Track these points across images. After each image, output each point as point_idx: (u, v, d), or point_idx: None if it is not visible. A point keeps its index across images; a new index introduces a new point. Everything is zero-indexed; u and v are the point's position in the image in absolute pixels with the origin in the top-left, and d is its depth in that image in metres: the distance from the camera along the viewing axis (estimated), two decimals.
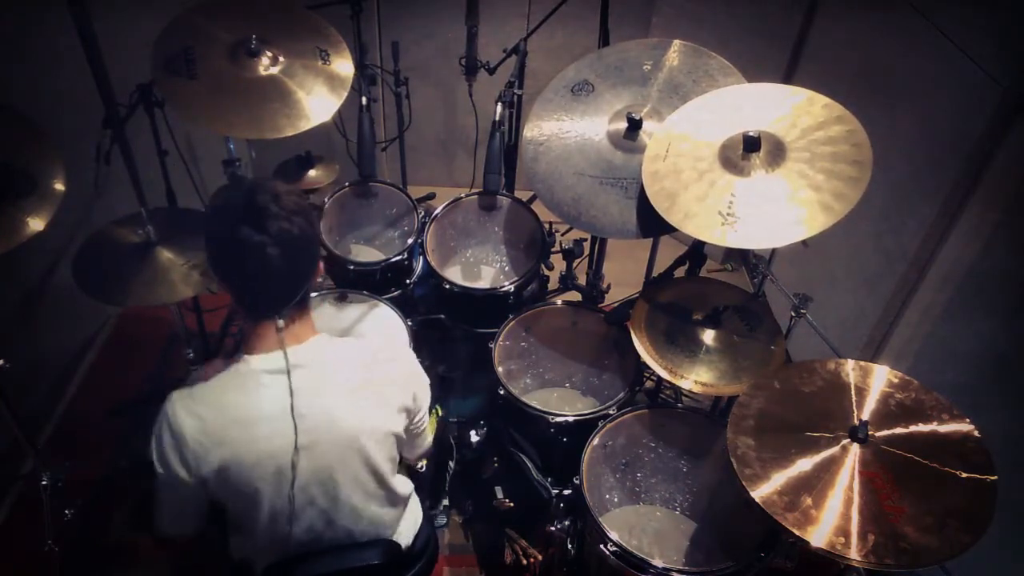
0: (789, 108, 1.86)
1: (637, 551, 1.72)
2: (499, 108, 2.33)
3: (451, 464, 2.43)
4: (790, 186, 1.73)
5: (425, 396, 1.57)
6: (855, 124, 1.76)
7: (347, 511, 1.43)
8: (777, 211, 1.72)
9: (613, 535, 1.75)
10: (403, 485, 1.58)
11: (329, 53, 2.15)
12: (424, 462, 2.02)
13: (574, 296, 2.50)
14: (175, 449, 1.30)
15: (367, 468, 1.42)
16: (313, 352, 1.36)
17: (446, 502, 2.43)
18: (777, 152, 1.79)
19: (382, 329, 2.22)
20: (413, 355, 1.59)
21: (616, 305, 2.33)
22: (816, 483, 1.43)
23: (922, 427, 1.52)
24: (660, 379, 2.03)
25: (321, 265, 1.41)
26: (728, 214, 1.75)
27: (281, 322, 1.32)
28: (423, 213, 2.53)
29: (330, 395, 1.36)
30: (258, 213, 1.25)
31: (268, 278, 1.29)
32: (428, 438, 1.71)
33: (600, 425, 2.00)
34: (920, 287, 2.30)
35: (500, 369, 2.18)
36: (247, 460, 1.31)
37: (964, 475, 1.42)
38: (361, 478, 1.42)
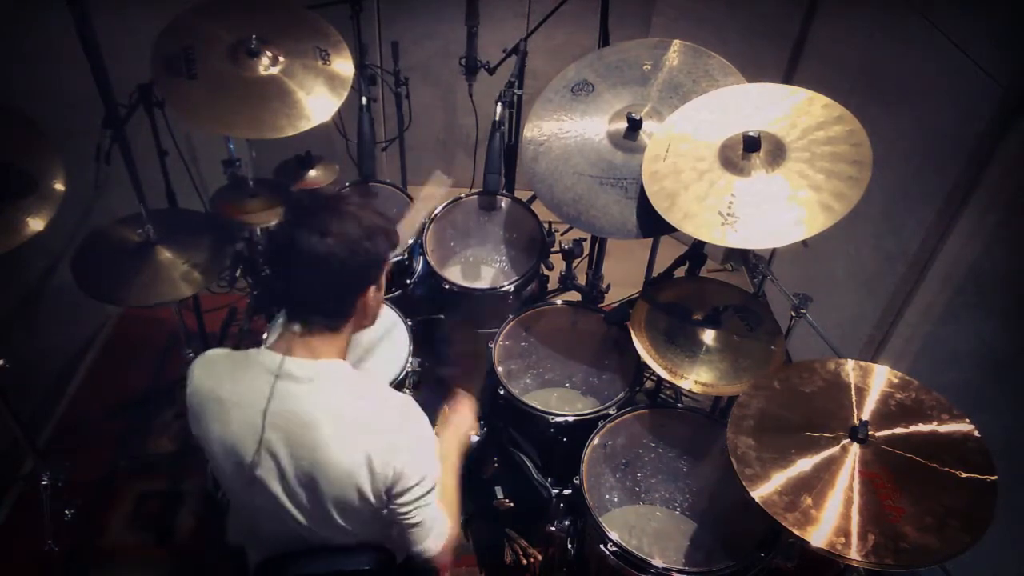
0: (789, 108, 1.86)
1: (637, 551, 1.72)
2: (499, 108, 2.33)
3: None
4: (790, 186, 1.73)
5: (411, 475, 1.33)
6: (855, 124, 1.76)
7: (308, 529, 1.39)
8: (777, 211, 1.72)
9: (613, 535, 1.75)
10: (355, 533, 1.43)
11: (329, 53, 2.15)
12: None
13: (574, 296, 2.50)
14: (187, 398, 1.37)
15: (327, 501, 1.35)
16: (320, 372, 1.33)
17: None
18: (777, 152, 1.79)
19: (382, 329, 2.22)
20: (427, 430, 1.40)
21: (616, 305, 2.33)
22: (816, 483, 1.43)
23: (922, 427, 1.52)
24: (660, 379, 2.02)
25: (370, 298, 1.38)
26: (728, 214, 1.75)
27: (297, 327, 1.33)
28: None
29: (312, 418, 1.31)
30: (310, 221, 1.28)
31: (289, 281, 1.31)
32: (429, 535, 1.41)
33: (600, 425, 2.00)
34: (920, 287, 2.30)
35: (500, 369, 2.18)
36: (216, 439, 1.34)
37: (964, 475, 1.42)
38: (321, 506, 1.36)
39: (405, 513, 1.36)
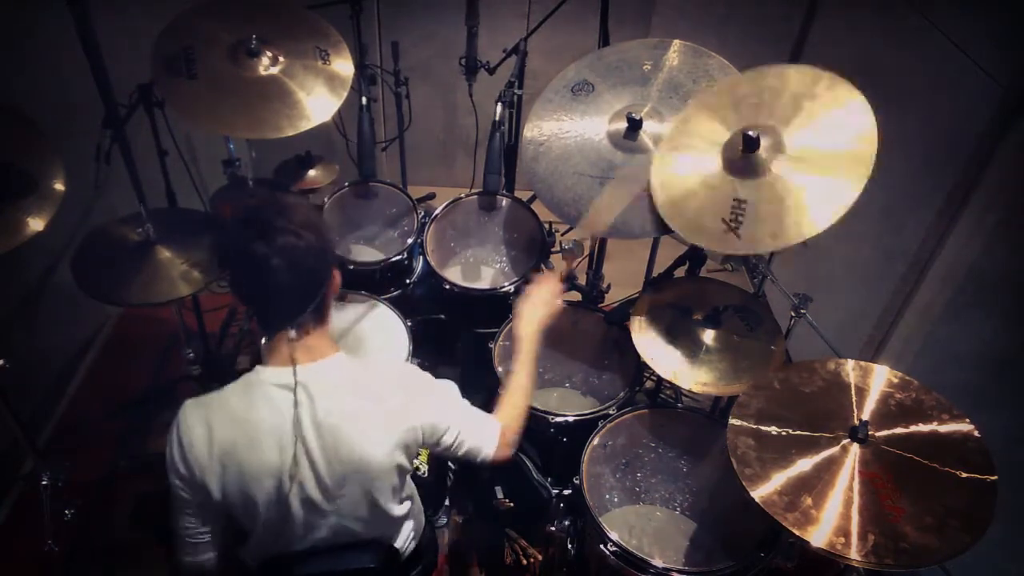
0: None
1: (637, 551, 1.72)
2: (499, 108, 2.33)
3: (451, 467, 2.44)
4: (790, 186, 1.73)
5: (440, 423, 1.45)
6: None
7: (342, 527, 1.42)
8: (777, 211, 1.71)
9: (613, 535, 1.75)
10: (400, 507, 1.53)
11: (329, 53, 2.15)
12: (426, 467, 2.01)
13: (574, 296, 2.50)
14: (182, 457, 1.31)
15: (367, 492, 1.40)
16: (326, 372, 1.35)
17: (447, 502, 2.43)
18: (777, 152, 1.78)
19: (382, 329, 2.22)
20: (431, 383, 1.49)
21: (616, 305, 2.33)
22: (816, 483, 1.43)
23: (922, 427, 1.52)
24: (660, 379, 2.02)
25: (338, 279, 1.41)
26: (729, 218, 1.74)
27: (293, 332, 1.32)
28: (423, 213, 2.53)
29: (336, 419, 1.33)
30: (265, 226, 1.26)
31: (275, 291, 1.29)
32: (482, 450, 1.53)
33: (600, 425, 2.00)
34: (920, 287, 2.30)
35: (500, 369, 2.18)
36: (247, 470, 1.31)
37: (964, 475, 1.42)
38: (360, 500, 1.41)
39: (450, 446, 1.48)
